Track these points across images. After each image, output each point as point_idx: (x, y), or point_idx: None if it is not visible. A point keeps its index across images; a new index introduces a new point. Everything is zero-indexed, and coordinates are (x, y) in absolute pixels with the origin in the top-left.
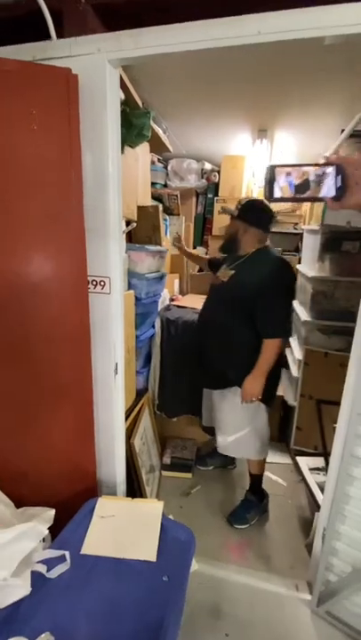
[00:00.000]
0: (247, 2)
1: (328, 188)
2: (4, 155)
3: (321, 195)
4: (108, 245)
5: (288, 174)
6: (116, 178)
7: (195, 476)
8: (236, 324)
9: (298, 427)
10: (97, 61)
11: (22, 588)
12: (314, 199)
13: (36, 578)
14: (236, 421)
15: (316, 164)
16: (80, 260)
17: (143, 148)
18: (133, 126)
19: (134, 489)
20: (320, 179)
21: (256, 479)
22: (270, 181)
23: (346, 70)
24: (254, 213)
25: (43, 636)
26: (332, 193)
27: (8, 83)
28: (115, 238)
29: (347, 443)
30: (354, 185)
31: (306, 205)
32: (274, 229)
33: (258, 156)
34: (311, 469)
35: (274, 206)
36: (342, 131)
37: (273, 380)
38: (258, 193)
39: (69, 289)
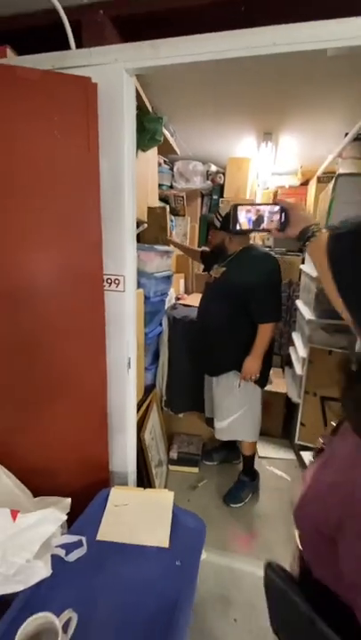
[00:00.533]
0: (261, 15)
1: (276, 223)
2: (28, 159)
3: (271, 227)
4: (124, 245)
5: (248, 211)
6: (130, 182)
7: (201, 470)
8: (229, 314)
9: (302, 423)
10: (114, 70)
11: (44, 570)
12: (265, 230)
13: (56, 561)
14: (232, 404)
15: (268, 203)
16: (97, 259)
17: (152, 151)
18: (146, 131)
19: (144, 481)
20: (271, 215)
21: (248, 460)
22: (234, 218)
23: (349, 76)
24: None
25: (66, 612)
26: (278, 226)
27: (32, 90)
28: (129, 238)
29: None
30: (293, 222)
31: (310, 205)
32: None
33: (263, 158)
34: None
35: None
36: (346, 134)
37: (266, 363)
38: (262, 194)
39: (87, 286)
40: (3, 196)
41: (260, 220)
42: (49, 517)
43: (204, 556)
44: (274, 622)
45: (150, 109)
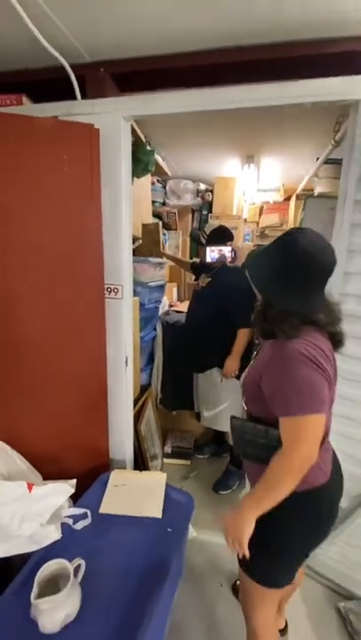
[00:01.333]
0: (227, 75)
1: (230, 257)
2: (43, 190)
3: (227, 261)
4: (121, 258)
5: (212, 251)
6: (127, 207)
7: (193, 462)
8: (212, 318)
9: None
10: (113, 118)
11: (55, 533)
12: (223, 263)
13: (65, 529)
14: (217, 397)
15: (225, 246)
16: (99, 271)
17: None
18: (140, 161)
19: (140, 468)
20: (230, 253)
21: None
22: (203, 255)
23: (317, 112)
24: (218, 238)
25: (76, 559)
26: (231, 259)
27: (46, 135)
28: (126, 253)
29: None
30: (238, 257)
31: (291, 221)
32: (263, 242)
33: (247, 178)
34: None
35: (263, 221)
36: (317, 159)
37: (245, 360)
38: (248, 209)
39: (91, 294)
40: (25, 213)
41: (222, 256)
42: (59, 490)
43: (194, 534)
44: (238, 449)
45: (144, 139)
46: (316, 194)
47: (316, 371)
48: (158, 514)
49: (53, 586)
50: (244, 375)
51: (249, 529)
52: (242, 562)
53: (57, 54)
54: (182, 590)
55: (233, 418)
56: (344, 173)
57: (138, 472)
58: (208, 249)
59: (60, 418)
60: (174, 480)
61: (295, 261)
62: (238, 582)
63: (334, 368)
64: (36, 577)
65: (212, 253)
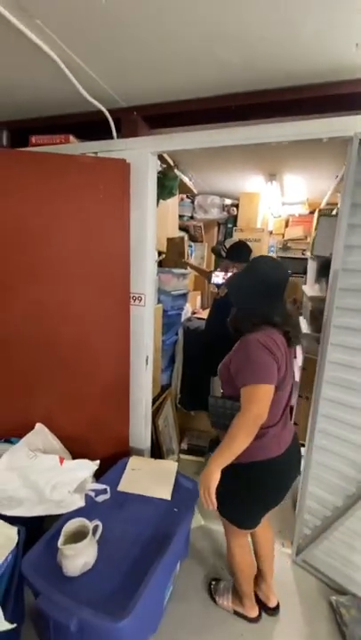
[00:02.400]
0: (250, 113)
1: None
2: (84, 213)
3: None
4: (145, 270)
5: (216, 276)
6: (152, 226)
7: (207, 460)
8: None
9: (295, 422)
10: (143, 153)
11: (80, 501)
12: (218, 285)
13: (88, 500)
14: None
15: (228, 271)
16: (125, 282)
17: None
18: (165, 187)
19: (156, 457)
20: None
21: None
22: (209, 278)
23: None
24: (238, 253)
25: (94, 520)
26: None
27: (87, 169)
28: (150, 266)
29: (314, 420)
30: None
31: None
32: (285, 255)
33: (270, 193)
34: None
35: (288, 233)
36: (337, 176)
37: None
38: (273, 222)
39: (118, 301)
40: (67, 231)
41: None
42: (84, 465)
43: (201, 522)
44: (215, 421)
45: (172, 163)
46: (339, 206)
47: (267, 354)
48: (168, 496)
49: (75, 540)
50: (220, 366)
51: (215, 477)
52: (220, 509)
53: (97, 103)
54: (186, 568)
55: (210, 397)
56: (341, 198)
57: (153, 459)
58: (213, 274)
59: (88, 407)
60: (188, 473)
61: (253, 278)
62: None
63: (286, 356)
64: (63, 529)
65: (215, 278)
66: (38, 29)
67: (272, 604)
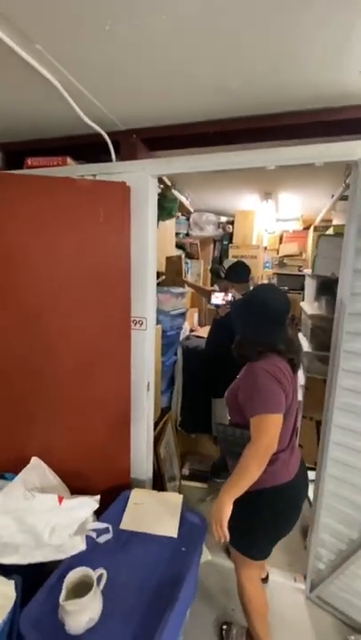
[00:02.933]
0: (239, 137)
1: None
2: (84, 237)
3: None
4: (147, 294)
5: (216, 297)
6: (152, 249)
7: (209, 486)
8: (229, 346)
9: (300, 444)
10: (142, 176)
11: (81, 544)
12: (217, 306)
13: (89, 541)
14: None
15: (226, 292)
16: (126, 306)
17: None
18: (165, 208)
19: (159, 488)
20: (227, 297)
21: None
22: (208, 298)
23: None
24: (237, 273)
25: (98, 569)
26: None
27: (86, 192)
28: (150, 289)
29: (325, 447)
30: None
31: (309, 251)
32: (281, 271)
33: (265, 211)
34: (311, 481)
35: (282, 249)
36: (333, 196)
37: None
38: (268, 238)
39: (118, 327)
40: (67, 256)
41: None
42: (85, 503)
43: (209, 557)
44: (223, 448)
45: (169, 183)
46: (333, 224)
47: (274, 383)
48: (174, 533)
49: (77, 593)
50: (226, 393)
51: (228, 511)
52: (232, 541)
53: (96, 126)
54: (195, 611)
55: (218, 424)
56: (347, 223)
57: (156, 492)
58: (213, 295)
59: (87, 438)
60: (191, 502)
61: (254, 308)
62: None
63: (292, 383)
64: (65, 581)
65: (215, 299)
66: (38, 54)
67: (262, 576)
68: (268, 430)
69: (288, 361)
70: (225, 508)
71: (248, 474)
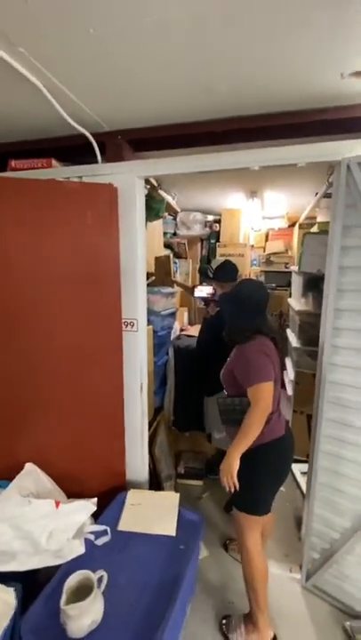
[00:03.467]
0: (234, 137)
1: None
2: (71, 240)
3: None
4: (137, 296)
5: (200, 290)
6: (141, 250)
7: (205, 483)
8: (220, 344)
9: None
10: (130, 177)
11: (80, 548)
12: (207, 298)
13: (87, 544)
14: None
15: (209, 286)
16: (116, 308)
17: None
18: (153, 209)
19: (154, 488)
20: (210, 290)
21: None
22: (192, 292)
23: None
24: (225, 273)
25: (99, 571)
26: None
27: (73, 195)
28: (141, 290)
29: (317, 441)
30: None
31: (295, 247)
32: (268, 269)
33: (251, 210)
34: (303, 473)
35: (269, 247)
36: (316, 194)
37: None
38: (254, 236)
39: (110, 328)
40: (54, 260)
41: (207, 295)
42: (82, 507)
43: (206, 553)
44: (223, 418)
45: (156, 183)
46: (317, 221)
47: (264, 357)
48: (172, 532)
49: (78, 596)
50: (221, 372)
51: (235, 464)
52: (233, 499)
53: (81, 128)
54: (195, 606)
55: (219, 398)
56: (332, 221)
57: (153, 492)
58: (196, 289)
59: (82, 441)
60: (187, 500)
61: (240, 300)
62: (228, 541)
63: (277, 357)
64: (65, 585)
65: (199, 292)
66: (21, 56)
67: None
68: (264, 395)
69: (271, 339)
70: (234, 462)
71: (252, 431)
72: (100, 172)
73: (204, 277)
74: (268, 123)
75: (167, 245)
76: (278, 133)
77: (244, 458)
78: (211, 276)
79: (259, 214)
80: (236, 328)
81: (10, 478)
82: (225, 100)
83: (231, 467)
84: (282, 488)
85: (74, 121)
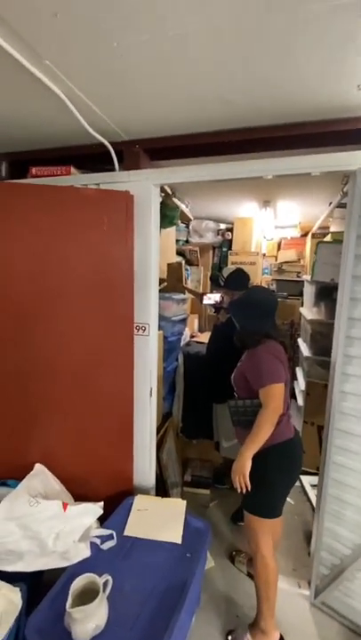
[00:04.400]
0: (250, 147)
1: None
2: (88, 245)
3: (216, 303)
4: (150, 300)
5: (208, 298)
6: (155, 256)
7: (212, 492)
8: (230, 351)
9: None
10: (145, 185)
11: (86, 551)
12: (216, 305)
13: (93, 548)
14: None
15: (217, 294)
16: (129, 312)
17: None
18: (167, 217)
19: (161, 494)
20: (218, 298)
21: None
22: (201, 299)
23: None
24: (236, 281)
25: (104, 575)
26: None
27: (90, 201)
28: (153, 295)
29: (327, 452)
30: (225, 302)
31: (307, 257)
32: (280, 277)
33: (264, 219)
34: (313, 485)
35: (281, 256)
36: (330, 203)
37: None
38: (266, 245)
39: (122, 332)
40: (72, 264)
41: (215, 303)
42: (89, 510)
43: (212, 563)
44: (235, 419)
45: (170, 191)
46: (330, 231)
47: (274, 359)
48: (178, 539)
49: (83, 600)
50: (233, 375)
51: (248, 465)
52: (245, 501)
53: (100, 137)
54: (200, 617)
55: (230, 400)
56: (346, 230)
57: (160, 498)
58: (205, 296)
59: (90, 444)
60: (194, 509)
61: (251, 303)
62: (234, 553)
63: (286, 361)
64: (71, 588)
65: (208, 300)
66: (46, 68)
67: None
68: (275, 396)
69: (280, 343)
70: (246, 462)
71: (263, 431)
72: (118, 180)
73: (216, 285)
74: (282, 133)
75: (179, 252)
76: (293, 143)
77: (255, 459)
78: (222, 284)
79: (271, 223)
80: (247, 332)
81: (19, 478)
82: (240, 111)
83: (243, 467)
84: (290, 500)
85: (94, 130)
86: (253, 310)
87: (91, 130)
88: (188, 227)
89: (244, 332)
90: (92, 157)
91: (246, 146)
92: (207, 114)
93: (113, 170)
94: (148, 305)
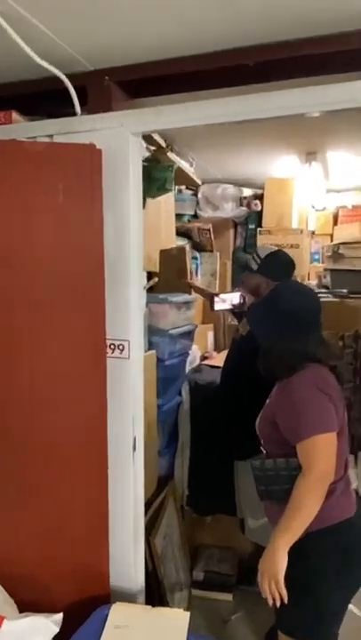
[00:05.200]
0: (267, 74)
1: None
2: (34, 225)
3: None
4: (129, 306)
5: (222, 300)
6: (136, 238)
7: (236, 597)
8: (260, 379)
9: None
10: (120, 134)
11: None
12: (233, 309)
13: None
14: None
15: (234, 292)
16: (98, 323)
17: None
18: (155, 180)
19: (153, 602)
20: (236, 298)
21: None
22: (211, 302)
23: None
24: (278, 267)
25: None
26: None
27: (37, 161)
28: (135, 298)
29: None
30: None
31: None
32: (337, 266)
33: (309, 178)
34: None
35: (338, 234)
36: None
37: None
38: (316, 218)
39: (87, 355)
40: (9, 254)
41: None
42: (37, 627)
43: None
44: (261, 489)
45: (163, 143)
46: None
47: (319, 395)
48: None
49: None
50: (258, 421)
51: (284, 561)
52: (279, 618)
53: (52, 67)
54: None
55: (254, 459)
56: None
57: (150, 608)
58: (216, 298)
59: (43, 526)
60: (206, 624)
61: (279, 311)
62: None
63: (341, 396)
64: None
65: (221, 304)
66: None
67: None
68: (323, 454)
69: (330, 369)
70: (280, 559)
71: (305, 510)
72: (78, 129)
73: (242, 270)
74: (320, 49)
75: (184, 233)
76: (337, 65)
77: (293, 552)
78: (255, 268)
79: (321, 186)
80: (276, 354)
81: None
82: (254, 18)
83: (276, 565)
84: (354, 608)
85: (42, 59)
86: (284, 319)
87: (36, 57)
88: (195, 195)
89: (272, 353)
90: (42, 98)
91: (269, 70)
92: (209, 25)
93: (73, 114)
94: (126, 312)
